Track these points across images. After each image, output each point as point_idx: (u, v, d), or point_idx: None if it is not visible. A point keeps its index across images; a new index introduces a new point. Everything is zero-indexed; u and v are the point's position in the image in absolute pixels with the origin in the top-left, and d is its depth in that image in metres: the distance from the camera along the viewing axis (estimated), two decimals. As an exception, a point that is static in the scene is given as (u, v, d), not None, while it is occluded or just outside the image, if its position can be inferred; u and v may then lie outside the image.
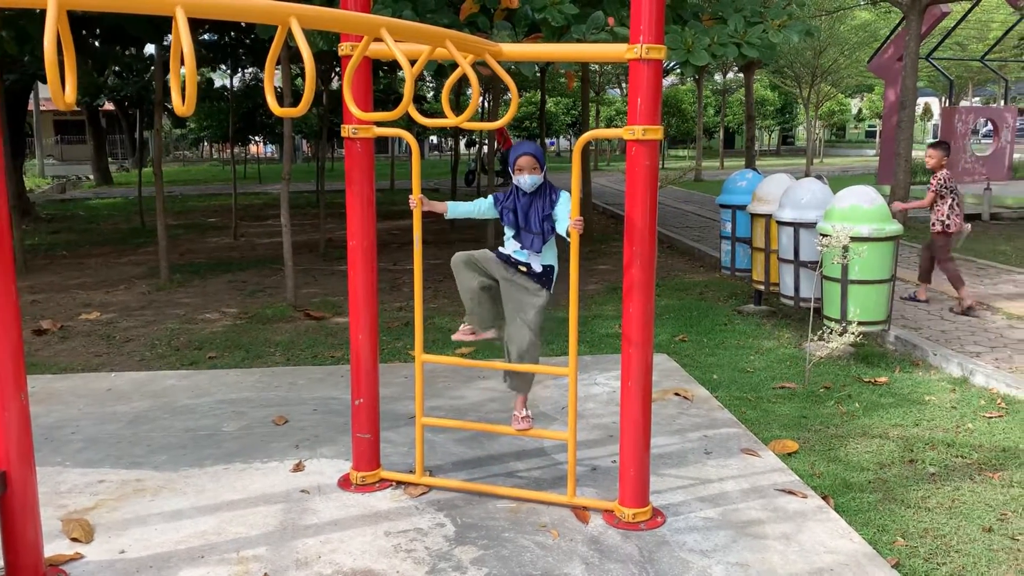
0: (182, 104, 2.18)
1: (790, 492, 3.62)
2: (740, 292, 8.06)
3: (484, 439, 4.23)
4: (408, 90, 2.56)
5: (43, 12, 2.13)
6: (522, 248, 3.73)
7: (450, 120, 3.20)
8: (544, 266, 3.75)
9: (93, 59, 10.74)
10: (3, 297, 2.76)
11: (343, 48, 3.36)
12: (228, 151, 33.58)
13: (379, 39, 2.56)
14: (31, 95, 16.47)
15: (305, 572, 2.99)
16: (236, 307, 7.90)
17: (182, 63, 2.16)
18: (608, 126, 41.18)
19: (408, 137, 3.41)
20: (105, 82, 13.75)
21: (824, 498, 3.60)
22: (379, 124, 3.47)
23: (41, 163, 32.59)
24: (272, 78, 2.48)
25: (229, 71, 13.68)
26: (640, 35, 3.04)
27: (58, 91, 2.09)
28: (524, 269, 3.74)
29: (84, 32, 9.49)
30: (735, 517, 3.40)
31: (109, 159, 30.88)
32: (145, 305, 8.14)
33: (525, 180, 3.62)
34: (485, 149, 25.88)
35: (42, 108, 32.57)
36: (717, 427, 4.44)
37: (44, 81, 14.10)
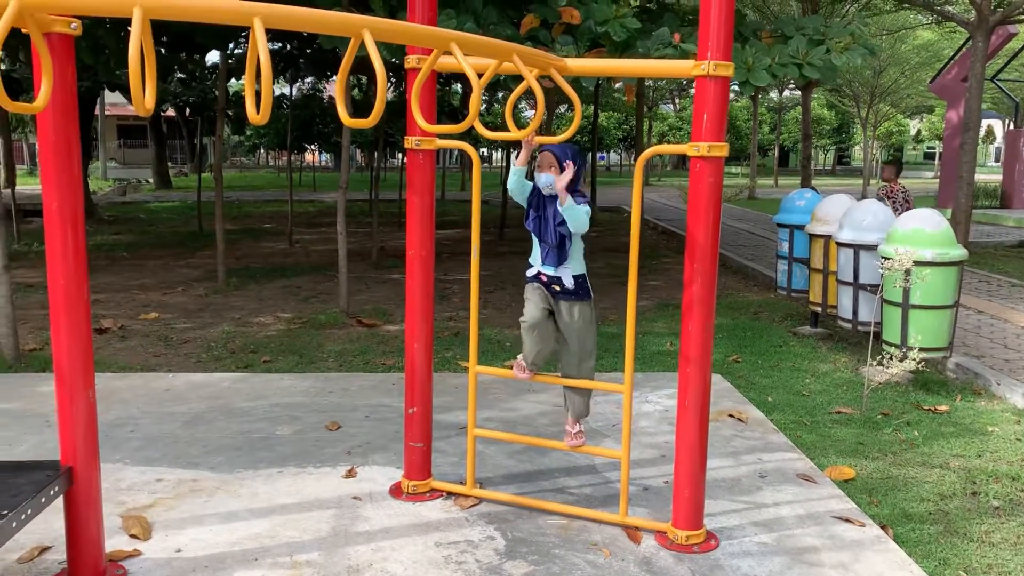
0: (256, 113, 2.22)
1: (847, 520, 3.54)
2: (795, 313, 7.93)
3: (535, 453, 4.22)
4: (475, 104, 2.57)
5: (114, 22, 2.19)
6: (544, 261, 3.52)
7: (513, 134, 3.21)
8: (575, 277, 3.53)
9: (158, 66, 11.02)
10: (77, 297, 2.83)
11: (410, 61, 3.39)
12: (284, 159, 34.17)
13: (448, 52, 2.58)
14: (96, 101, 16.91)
15: (357, 579, 3.00)
16: (290, 312, 8.01)
17: (257, 72, 2.20)
18: (660, 141, 41.01)
19: (470, 150, 3.43)
20: (168, 88, 14.09)
21: (883, 528, 3.51)
22: (441, 137, 3.49)
23: (104, 166, 33.55)
24: (343, 89, 2.51)
25: (288, 80, 13.93)
26: (708, 52, 3.02)
27: (140, 98, 2.15)
28: (558, 288, 3.54)
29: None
30: (790, 543, 3.33)
31: (169, 164, 31.66)
32: (202, 307, 8.30)
33: (540, 178, 3.42)
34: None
35: (107, 113, 33.54)
36: (772, 451, 4.36)
37: (112, 89, 14.48)
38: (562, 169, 3.35)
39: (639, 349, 6.62)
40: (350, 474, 3.95)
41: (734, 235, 14.51)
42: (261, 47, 2.16)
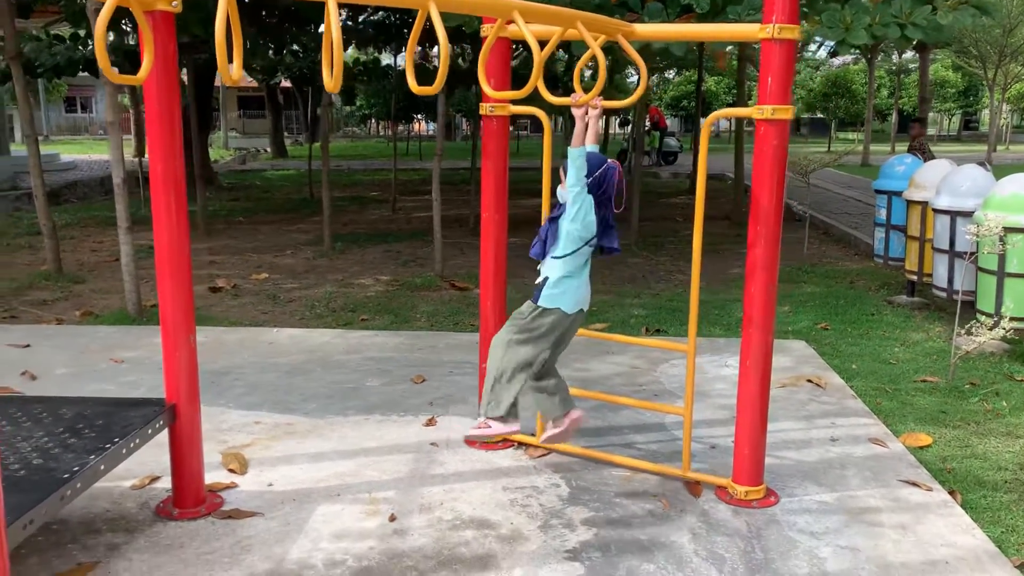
0: (330, 79, 2.42)
1: (914, 484, 3.54)
2: (893, 282, 7.72)
3: (607, 410, 4.36)
4: (536, 70, 2.70)
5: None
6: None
7: (571, 100, 3.29)
8: (542, 279, 3.23)
9: (271, 38, 11.53)
10: (179, 253, 3.14)
11: (484, 30, 3.54)
12: (392, 128, 34.97)
13: (512, 21, 2.72)
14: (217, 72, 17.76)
15: (427, 516, 3.24)
16: (389, 275, 8.36)
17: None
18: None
19: (541, 115, 3.56)
20: (281, 60, 14.70)
21: (951, 493, 3.49)
22: (514, 102, 3.63)
23: (225, 136, 35.10)
24: (411, 58, 2.69)
25: (393, 52, 14.28)
26: (773, 14, 3.04)
27: (225, 68, 2.38)
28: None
29: (263, 12, 10.22)
30: (851, 504, 3.37)
31: (285, 133, 32.92)
32: (308, 270, 8.75)
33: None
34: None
35: (227, 84, 35.03)
36: (847, 415, 4.36)
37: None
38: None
39: (726, 316, 6.63)
40: (430, 423, 4.20)
41: (840, 203, 14.08)
42: (334, 21, 2.35)
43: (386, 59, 19.84)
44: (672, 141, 23.89)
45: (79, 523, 3.17)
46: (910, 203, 6.56)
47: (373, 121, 39.82)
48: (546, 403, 3.27)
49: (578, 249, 3.18)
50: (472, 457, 3.80)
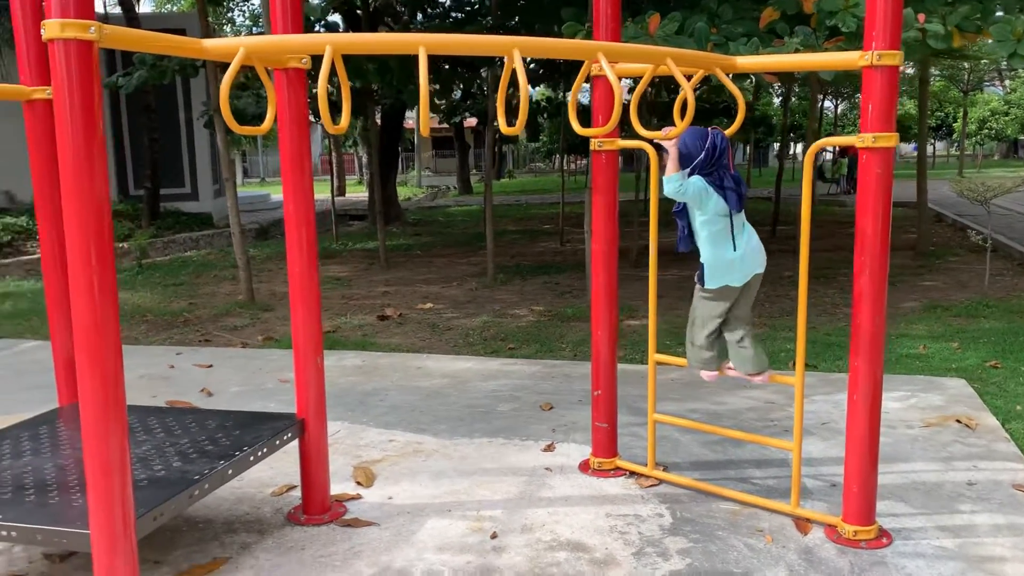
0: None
1: (1054, 535, 3.26)
2: (1089, 318, 7.01)
3: (730, 444, 4.31)
4: (616, 108, 2.82)
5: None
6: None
7: (650, 133, 3.34)
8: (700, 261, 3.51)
9: (440, 82, 12.23)
10: (308, 282, 3.48)
11: (593, 69, 3.68)
12: (577, 162, 35.54)
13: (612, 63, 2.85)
14: (404, 116, 18.94)
15: (527, 536, 3.37)
16: (544, 306, 8.59)
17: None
18: (980, 128, 36.79)
19: (648, 148, 3.64)
20: (457, 101, 15.50)
21: (1098, 548, 3.18)
22: (623, 137, 3.75)
23: (419, 174, 37.12)
24: (503, 101, 2.87)
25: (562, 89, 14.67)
26: (872, 41, 2.99)
27: (328, 120, 2.69)
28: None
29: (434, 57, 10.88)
30: (974, 551, 3.16)
31: (472, 171, 34.35)
32: (470, 300, 9.16)
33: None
34: (827, 156, 24.64)
35: (421, 126, 37.09)
36: (993, 459, 4.06)
37: (410, 107, 16.16)
38: (683, 165, 3.38)
39: (890, 351, 6.30)
40: (548, 448, 4.33)
41: (1049, 232, 12.85)
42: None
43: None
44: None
45: (223, 523, 3.57)
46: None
47: (557, 156, 40.72)
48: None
49: (718, 228, 3.38)
50: (582, 483, 3.90)
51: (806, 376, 5.44)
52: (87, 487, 2.44)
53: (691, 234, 3.49)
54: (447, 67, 11.32)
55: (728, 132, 3.38)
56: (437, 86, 13.55)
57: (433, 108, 18.23)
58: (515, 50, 2.66)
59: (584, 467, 4.05)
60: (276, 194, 26.13)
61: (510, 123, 2.73)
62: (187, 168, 18.77)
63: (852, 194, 21.91)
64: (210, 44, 2.78)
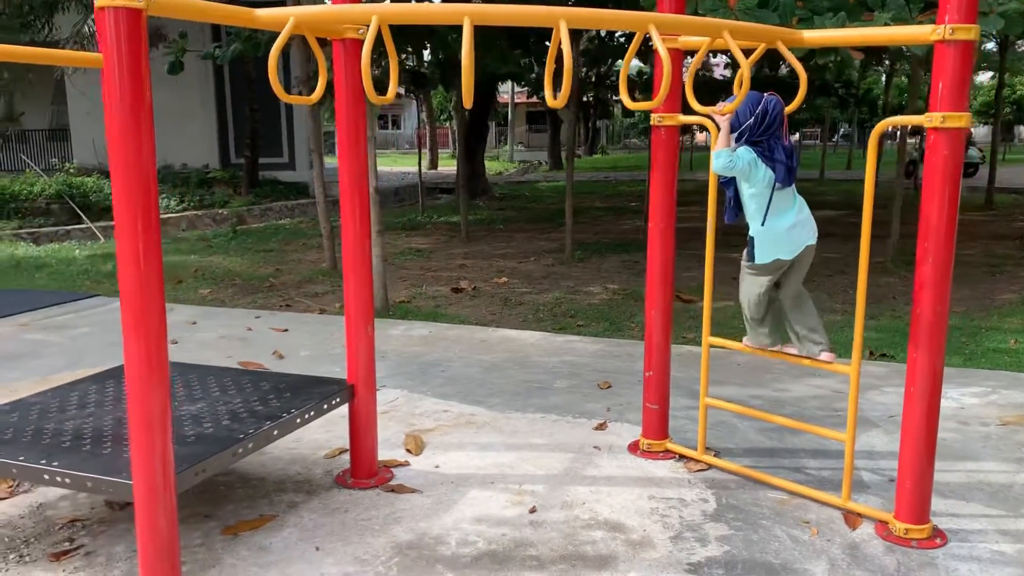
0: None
1: None
2: None
3: (787, 432, 4.19)
4: (665, 82, 2.74)
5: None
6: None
7: (707, 109, 3.23)
8: (748, 236, 3.44)
9: (533, 57, 12.15)
10: (362, 256, 3.52)
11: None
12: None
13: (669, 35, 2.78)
14: (495, 90, 18.96)
15: (565, 513, 3.36)
16: (618, 284, 8.51)
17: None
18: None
19: (709, 124, 3.54)
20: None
21: None
22: (684, 112, 3.65)
23: (511, 149, 37.16)
24: (551, 73, 2.83)
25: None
26: (946, 14, 2.81)
27: (370, 89, 2.70)
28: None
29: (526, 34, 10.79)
30: (1034, 558, 2.99)
31: (564, 146, 34.19)
32: (545, 276, 9.16)
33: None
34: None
35: (516, 101, 37.12)
36: (1072, 463, 3.82)
37: (501, 80, 16.15)
38: (733, 139, 3.32)
39: (973, 343, 6.00)
40: (600, 427, 4.30)
41: None
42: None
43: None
44: (973, 152, 21.54)
45: (275, 482, 3.69)
46: None
47: (653, 133, 40.22)
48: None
49: (769, 201, 3.28)
50: (629, 464, 3.86)
51: (879, 367, 5.28)
52: (130, 441, 2.56)
53: (738, 205, 3.41)
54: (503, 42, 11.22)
55: (790, 107, 3.25)
56: (529, 60, 13.49)
57: (524, 81, 18.17)
58: (561, 20, 2.61)
59: (633, 448, 4.01)
60: (370, 165, 26.64)
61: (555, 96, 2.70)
62: (285, 138, 19.33)
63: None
64: (261, 14, 2.83)
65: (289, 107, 18.64)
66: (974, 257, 9.95)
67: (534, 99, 25.85)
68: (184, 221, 14.14)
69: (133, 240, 2.44)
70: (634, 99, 3.10)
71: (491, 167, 27.68)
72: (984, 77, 32.17)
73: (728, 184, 3.42)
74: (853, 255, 9.67)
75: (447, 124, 41.52)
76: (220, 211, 14.89)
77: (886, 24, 5.13)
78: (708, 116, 3.31)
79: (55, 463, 2.76)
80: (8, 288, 8.46)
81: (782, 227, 3.34)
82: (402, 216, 15.36)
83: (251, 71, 16.06)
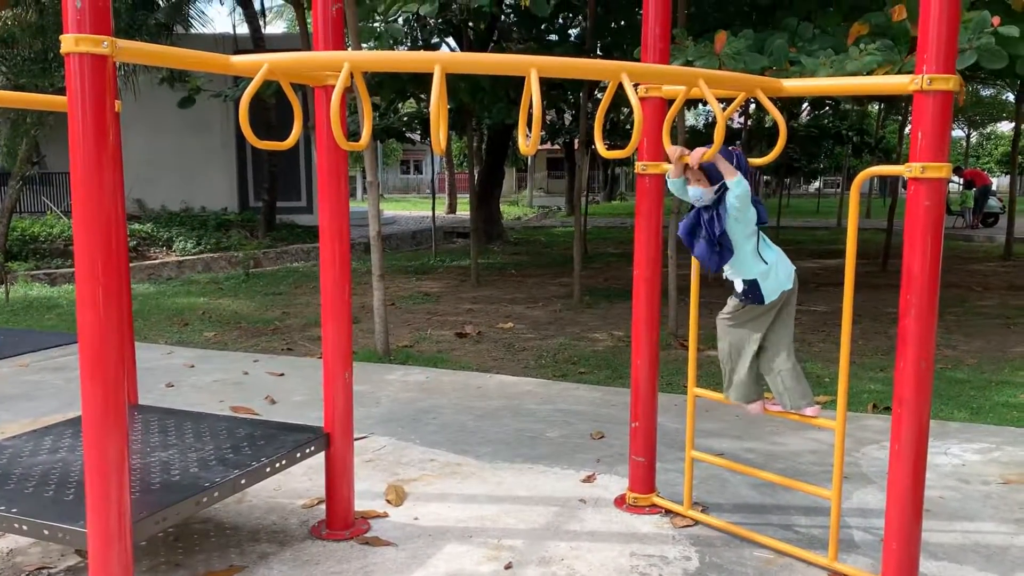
0: (439, 144, 2.63)
1: None
2: None
3: (780, 488, 4.06)
4: (636, 130, 2.71)
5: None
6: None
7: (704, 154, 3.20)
8: (745, 282, 3.36)
9: (546, 104, 12.26)
10: (340, 297, 3.51)
11: (641, 91, 3.57)
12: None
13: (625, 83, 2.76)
14: (511, 137, 19.10)
15: (542, 569, 3.26)
16: (623, 331, 8.41)
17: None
18: None
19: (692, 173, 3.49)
20: (561, 124, 15.53)
21: None
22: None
23: (530, 194, 37.37)
24: (524, 118, 2.81)
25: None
26: (924, 64, 2.77)
27: (339, 135, 2.69)
28: (741, 295, 3.42)
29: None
30: (1028, 627, 2.85)
31: (584, 192, 34.32)
32: (551, 321, 9.08)
33: (691, 191, 3.27)
34: (953, 186, 23.25)
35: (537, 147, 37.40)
36: (1075, 525, 3.66)
37: (511, 126, 16.26)
38: (713, 181, 3.21)
39: (981, 398, 5.85)
40: (588, 479, 4.20)
41: None
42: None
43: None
44: (994, 201, 21.31)
45: (249, 531, 3.62)
46: None
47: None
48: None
49: (757, 238, 3.28)
50: (613, 518, 3.75)
51: (881, 420, 5.14)
52: (85, 488, 2.51)
53: (721, 251, 3.29)
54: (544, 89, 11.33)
55: (767, 159, 3.22)
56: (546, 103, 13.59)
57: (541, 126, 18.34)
58: (532, 69, 2.61)
59: (619, 502, 3.91)
60: (389, 210, 26.87)
61: (533, 141, 2.67)
62: (304, 182, 19.55)
63: (979, 228, 20.63)
64: (236, 60, 2.85)
65: (308, 152, 18.88)
66: (990, 309, 9.76)
67: (556, 145, 25.97)
68: (200, 263, 14.26)
69: (92, 284, 2.43)
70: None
71: (510, 212, 27.81)
72: (1006, 127, 32.00)
73: (707, 227, 3.30)
74: (868, 303, 9.54)
75: (466, 170, 41.93)
76: (235, 254, 15.00)
77: (872, 59, 5.03)
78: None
79: (14, 509, 2.72)
80: (16, 328, 8.53)
81: (778, 257, 3.33)
82: (415, 260, 15.40)
83: (271, 117, 16.30)
